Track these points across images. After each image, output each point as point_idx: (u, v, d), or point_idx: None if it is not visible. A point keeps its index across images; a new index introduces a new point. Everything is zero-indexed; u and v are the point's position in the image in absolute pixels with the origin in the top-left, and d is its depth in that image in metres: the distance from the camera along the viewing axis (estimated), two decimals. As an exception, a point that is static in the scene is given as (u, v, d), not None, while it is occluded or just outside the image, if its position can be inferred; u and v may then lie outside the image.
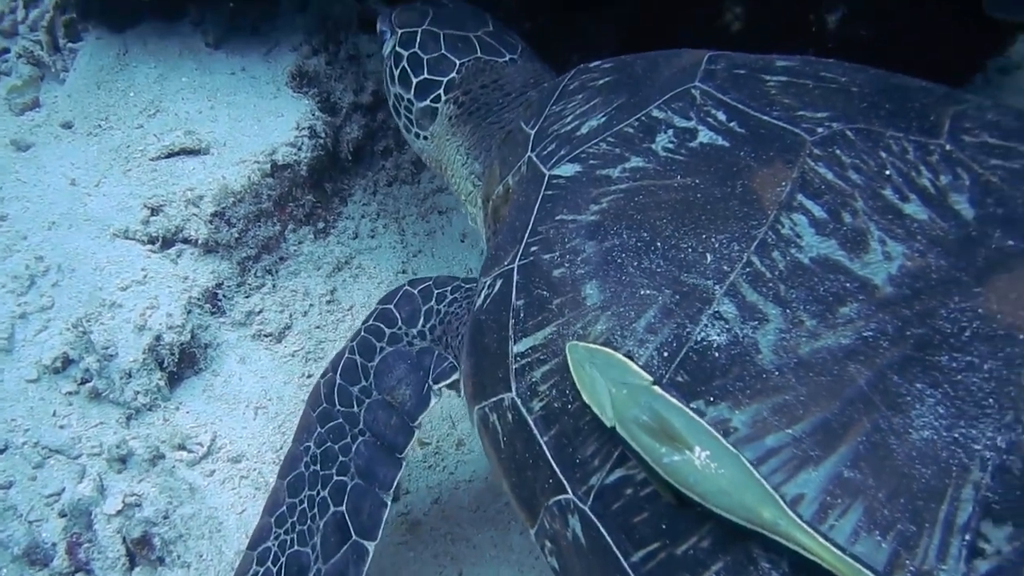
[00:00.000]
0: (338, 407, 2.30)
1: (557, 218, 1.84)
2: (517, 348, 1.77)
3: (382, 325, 2.37)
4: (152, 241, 3.13)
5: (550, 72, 2.76)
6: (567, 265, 1.74)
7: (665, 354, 1.53)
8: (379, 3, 3.74)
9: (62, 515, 2.68)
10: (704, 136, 1.77)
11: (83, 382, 2.87)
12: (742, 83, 1.87)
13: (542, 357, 1.71)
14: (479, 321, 1.91)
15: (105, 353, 2.88)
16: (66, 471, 2.75)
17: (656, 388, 1.47)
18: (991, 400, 1.31)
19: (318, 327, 3.19)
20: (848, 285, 1.47)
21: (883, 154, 1.61)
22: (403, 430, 2.24)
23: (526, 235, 1.89)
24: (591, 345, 1.59)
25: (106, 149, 3.31)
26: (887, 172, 1.58)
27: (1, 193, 3.24)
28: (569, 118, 2.10)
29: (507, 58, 2.67)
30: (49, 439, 2.78)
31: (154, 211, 3.13)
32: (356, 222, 3.51)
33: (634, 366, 1.51)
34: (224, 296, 3.12)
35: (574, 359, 1.58)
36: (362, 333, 2.37)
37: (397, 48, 2.71)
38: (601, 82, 2.16)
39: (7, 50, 3.70)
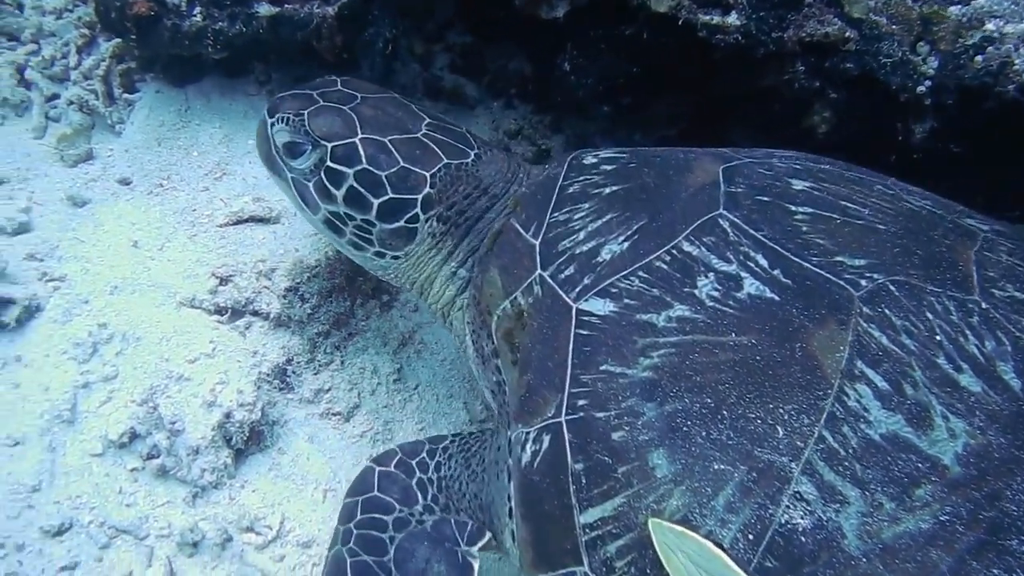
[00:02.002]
0: None
1: (602, 368, 1.80)
2: (584, 519, 1.72)
3: (379, 515, 2.24)
4: (220, 312, 3.06)
5: (511, 153, 2.67)
6: (627, 429, 1.71)
7: (750, 537, 1.53)
8: (444, 71, 3.73)
9: (129, 601, 2.59)
10: (750, 286, 1.77)
11: (149, 458, 2.77)
12: (769, 214, 1.89)
13: (614, 531, 1.68)
14: (532, 482, 1.85)
15: (172, 428, 2.80)
16: (134, 553, 2.65)
17: None
18: None
19: (386, 407, 3.14)
20: (920, 465, 1.52)
21: (929, 315, 1.68)
22: None
23: (567, 382, 1.83)
24: (677, 527, 1.56)
25: (169, 211, 3.23)
26: (937, 337, 1.65)
27: (59, 252, 3.13)
28: (581, 234, 2.05)
29: (472, 154, 2.43)
30: (116, 519, 2.68)
31: (223, 281, 3.06)
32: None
33: (734, 566, 1.49)
34: (293, 372, 3.05)
35: (661, 542, 1.56)
36: (355, 531, 2.21)
37: (331, 164, 2.33)
38: (608, 191, 2.12)
39: (57, 96, 3.58)
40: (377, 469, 2.33)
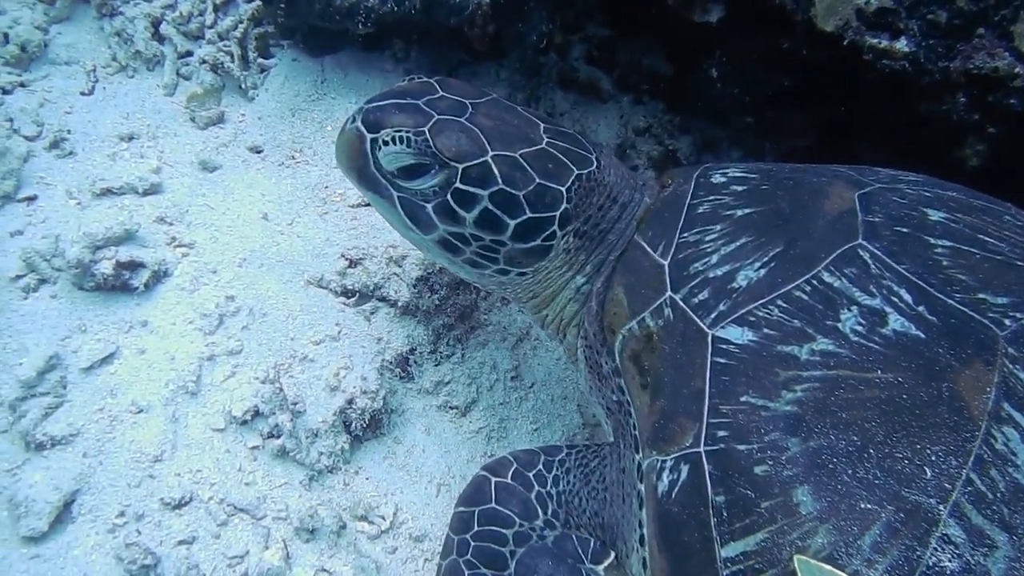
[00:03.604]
0: None
1: (743, 400, 1.76)
2: (725, 552, 1.69)
3: (498, 528, 2.18)
4: (346, 294, 3.02)
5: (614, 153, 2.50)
6: (770, 463, 1.68)
7: None
8: (580, 62, 3.64)
9: (244, 580, 2.58)
10: (895, 322, 1.74)
11: (270, 437, 2.75)
12: (910, 247, 1.85)
13: (757, 566, 1.65)
14: (670, 513, 1.81)
15: (294, 409, 2.78)
16: (251, 533, 2.64)
17: None
18: None
19: (502, 404, 3.10)
20: None
21: None
22: None
23: (705, 412, 1.79)
24: (825, 566, 1.52)
25: (300, 186, 3.19)
26: None
27: (188, 217, 3.11)
28: (714, 257, 2.00)
29: (594, 161, 2.26)
30: (235, 496, 2.67)
31: (352, 263, 3.02)
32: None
33: None
34: (415, 362, 3.02)
35: None
36: (472, 543, 2.16)
37: (462, 186, 2.12)
38: (740, 214, 2.07)
39: (190, 53, 3.54)
40: (493, 480, 2.27)
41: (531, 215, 2.16)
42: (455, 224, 2.17)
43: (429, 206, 2.17)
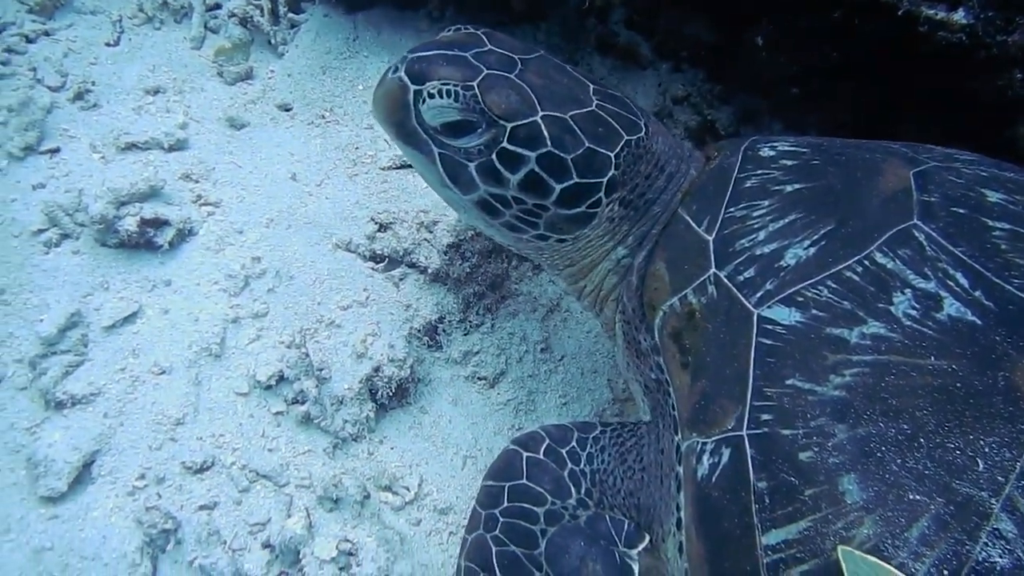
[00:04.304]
0: None
1: (788, 383, 1.70)
2: (766, 540, 1.63)
3: (528, 505, 2.10)
4: (375, 258, 2.95)
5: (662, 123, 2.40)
6: (815, 449, 1.62)
7: (945, 572, 1.45)
8: (620, 26, 3.52)
9: (265, 546, 2.52)
10: (951, 307, 1.67)
11: (294, 403, 2.69)
12: (967, 229, 1.78)
13: (799, 555, 1.59)
14: (710, 498, 1.75)
15: (320, 376, 2.71)
16: (273, 500, 2.58)
17: None
18: None
19: (531, 376, 3.02)
20: None
21: None
22: None
23: (749, 394, 1.73)
24: (869, 557, 1.48)
25: (330, 146, 3.10)
26: None
27: (215, 175, 3.03)
28: (761, 234, 1.92)
29: (643, 127, 2.14)
30: (258, 462, 2.61)
31: (382, 227, 2.94)
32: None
33: None
34: (443, 331, 2.94)
35: (851, 571, 1.48)
36: (502, 519, 2.08)
37: (509, 146, 2.01)
38: (789, 189, 1.98)
39: (218, 6, 3.44)
40: (525, 455, 2.19)
41: (578, 180, 2.05)
42: (498, 185, 2.06)
43: (471, 165, 2.06)
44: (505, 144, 2.00)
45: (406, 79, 2.02)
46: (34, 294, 2.72)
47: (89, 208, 2.77)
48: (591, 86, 2.14)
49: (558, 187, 2.05)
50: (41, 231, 2.84)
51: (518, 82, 2.02)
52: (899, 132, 2.85)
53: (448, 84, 1.98)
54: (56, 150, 3.02)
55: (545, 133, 1.99)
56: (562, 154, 2.01)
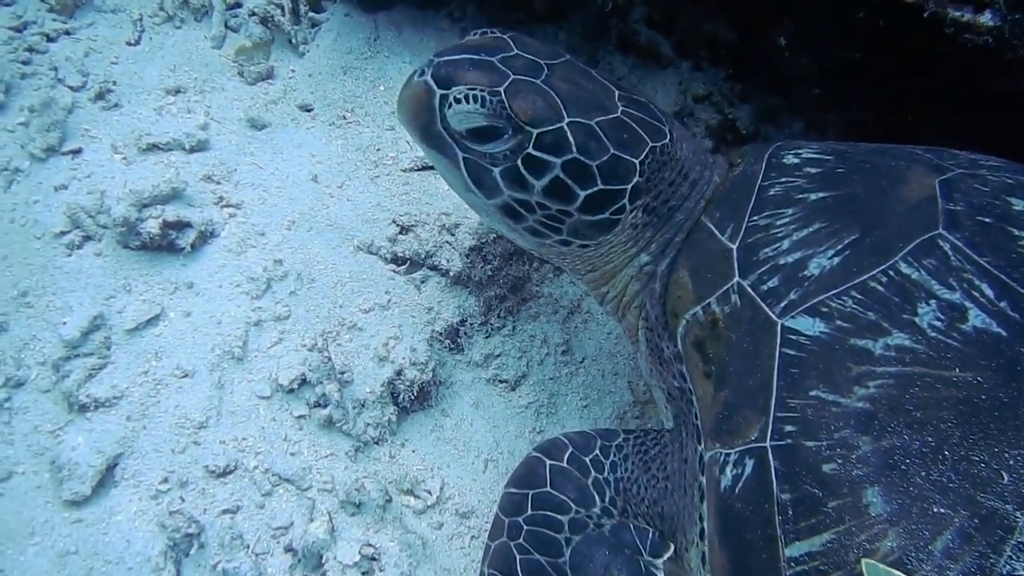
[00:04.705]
0: None
1: (812, 394, 1.70)
2: (789, 552, 1.63)
3: (553, 513, 2.11)
4: (397, 261, 2.94)
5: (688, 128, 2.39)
6: (839, 461, 1.62)
7: None
8: (640, 25, 3.50)
9: (288, 551, 2.53)
10: (976, 318, 1.66)
11: (316, 406, 2.70)
12: (992, 238, 1.77)
13: (822, 568, 1.59)
14: (732, 508, 1.76)
15: (342, 379, 2.71)
16: (295, 504, 2.59)
17: None
18: None
19: (552, 379, 3.02)
20: None
21: None
22: None
23: (772, 405, 1.73)
24: (893, 571, 1.48)
25: (352, 147, 3.09)
26: None
27: (236, 176, 3.03)
28: (785, 243, 1.91)
29: (668, 134, 2.13)
30: (281, 466, 2.62)
31: (404, 229, 2.94)
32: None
33: None
34: (465, 334, 2.94)
35: None
36: (526, 527, 2.08)
37: (534, 152, 2.00)
38: (813, 198, 1.97)
39: (239, 5, 3.43)
40: (548, 463, 2.19)
41: (603, 187, 2.04)
42: (522, 191, 2.06)
43: (496, 170, 2.05)
44: (531, 150, 2.00)
45: (432, 83, 2.01)
46: (57, 296, 2.72)
47: (111, 210, 2.77)
48: (616, 92, 2.13)
49: (583, 193, 2.04)
50: (63, 233, 2.84)
51: (544, 88, 2.01)
52: (920, 134, 2.83)
53: (475, 89, 1.97)
54: (78, 151, 3.01)
55: (571, 139, 1.99)
56: (587, 160, 2.01)
